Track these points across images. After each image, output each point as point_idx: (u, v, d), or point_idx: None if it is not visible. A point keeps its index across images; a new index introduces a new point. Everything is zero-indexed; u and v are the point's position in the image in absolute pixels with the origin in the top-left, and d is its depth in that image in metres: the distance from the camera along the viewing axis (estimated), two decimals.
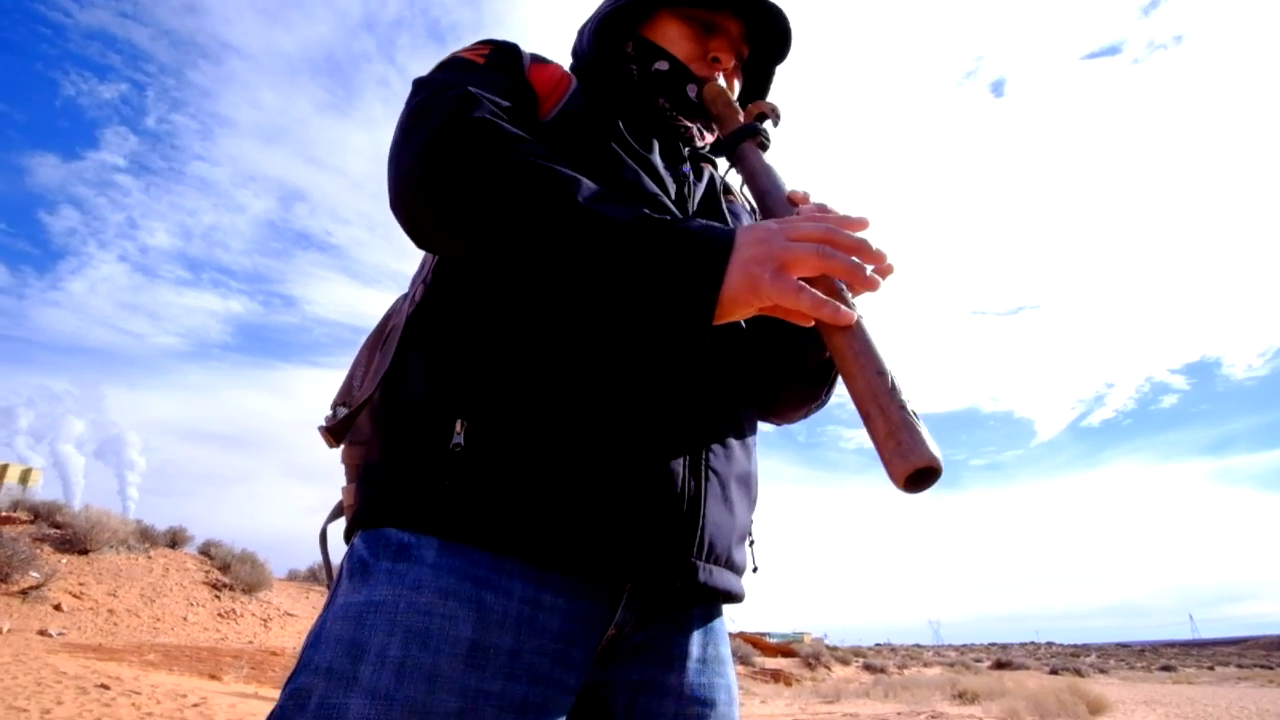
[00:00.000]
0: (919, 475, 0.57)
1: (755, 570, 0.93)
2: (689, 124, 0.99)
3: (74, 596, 9.86)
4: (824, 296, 0.65)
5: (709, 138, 1.03)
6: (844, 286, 0.69)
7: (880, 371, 0.61)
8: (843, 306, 0.65)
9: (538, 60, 0.95)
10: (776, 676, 21.54)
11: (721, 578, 0.81)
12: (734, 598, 0.86)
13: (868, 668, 29.68)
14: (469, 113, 0.75)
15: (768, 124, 0.95)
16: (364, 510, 0.77)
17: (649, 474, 0.75)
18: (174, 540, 13.52)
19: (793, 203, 0.79)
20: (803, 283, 0.65)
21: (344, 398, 0.92)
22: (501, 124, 0.75)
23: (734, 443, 0.85)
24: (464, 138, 0.73)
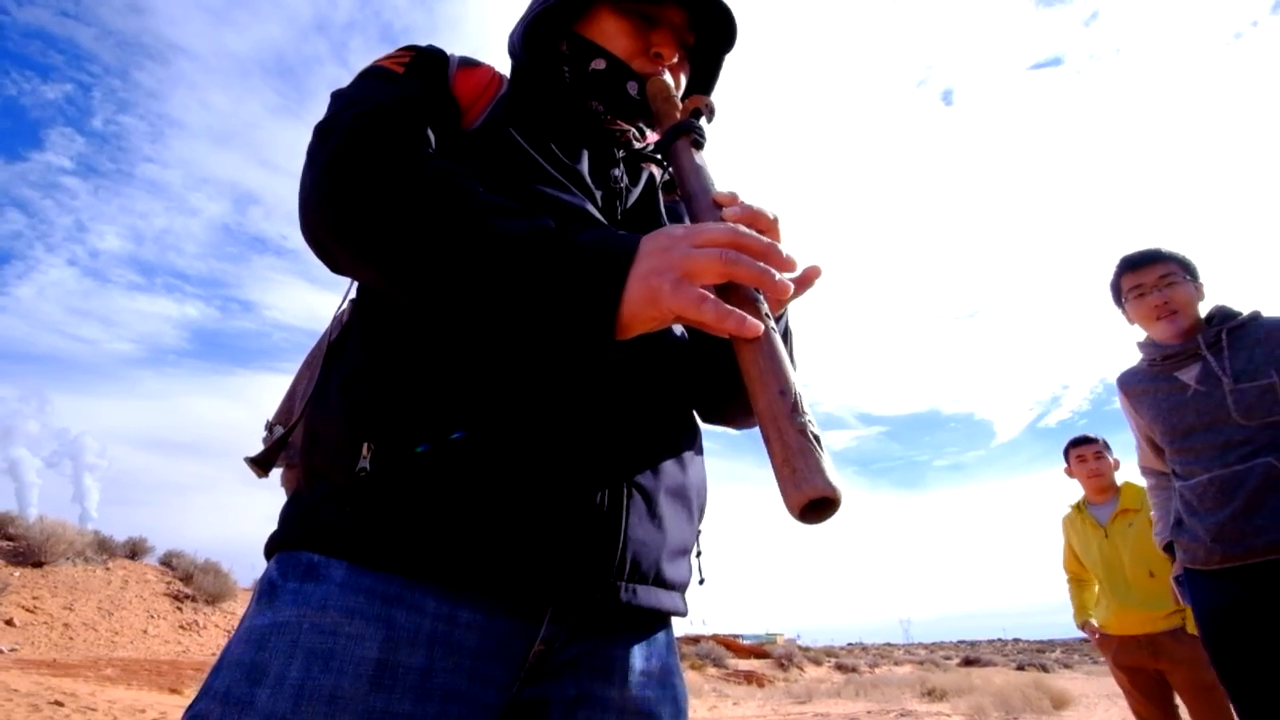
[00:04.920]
0: (815, 505, 0.53)
1: (701, 583, 0.90)
2: (625, 126, 0.95)
3: (27, 610, 9.53)
4: (729, 307, 0.60)
5: (651, 137, 0.99)
6: (760, 296, 0.65)
7: (783, 391, 0.57)
8: (749, 318, 0.60)
9: (466, 64, 0.92)
10: (749, 678, 21.60)
11: (649, 596, 0.78)
12: (664, 615, 0.83)
13: (840, 667, 29.90)
14: (369, 135, 0.72)
15: (704, 120, 0.90)
16: (280, 532, 0.75)
17: (564, 494, 0.72)
18: (134, 551, 13.12)
19: (718, 205, 0.74)
20: (706, 292, 0.61)
21: (283, 417, 0.89)
22: (402, 144, 0.72)
23: (665, 456, 0.82)
24: (360, 163, 0.70)
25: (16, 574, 10.27)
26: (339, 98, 0.82)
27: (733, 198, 0.74)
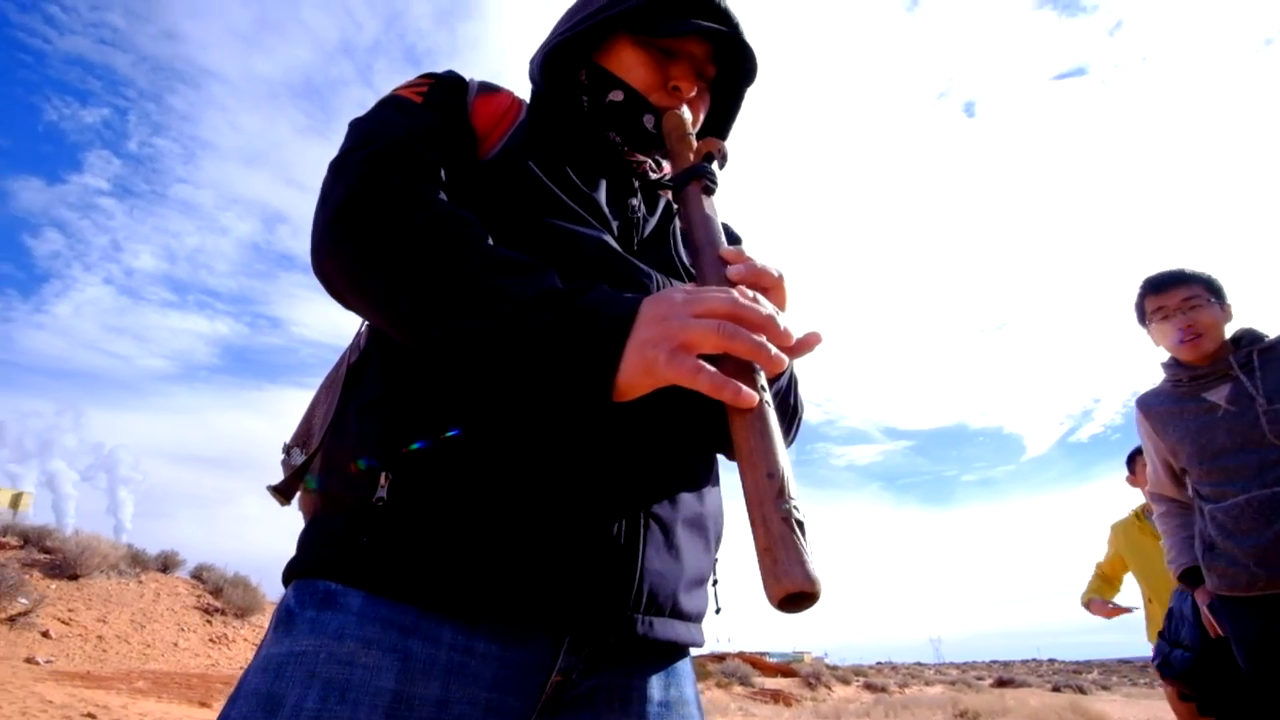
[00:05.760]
0: (793, 598, 0.53)
1: (718, 611, 0.90)
2: (642, 158, 0.95)
3: (62, 623, 9.73)
4: (724, 378, 0.61)
5: (668, 168, 0.98)
6: (757, 366, 0.65)
7: (771, 474, 0.57)
8: (744, 389, 0.60)
9: (485, 90, 0.92)
10: (776, 697, 21.30)
11: (665, 628, 0.78)
12: (681, 648, 0.82)
13: (869, 687, 29.36)
14: (377, 181, 0.73)
15: (717, 165, 0.89)
16: (297, 559, 0.76)
17: (580, 527, 0.72)
18: (165, 564, 13.35)
19: (724, 261, 0.74)
20: (702, 362, 0.62)
21: (301, 439, 0.90)
22: (409, 190, 0.72)
23: (682, 487, 0.82)
24: (367, 212, 0.71)
25: (53, 586, 10.50)
26: (355, 129, 0.82)
27: (739, 254, 0.74)
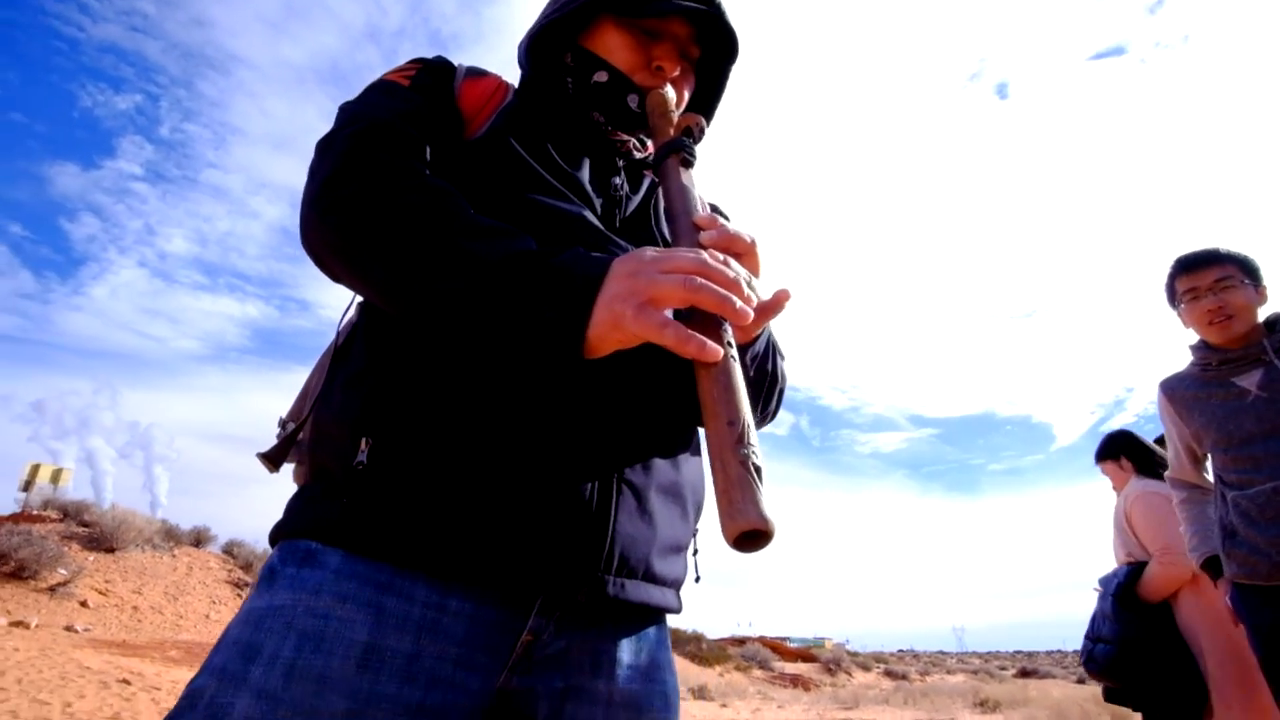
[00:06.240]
0: (748, 536, 0.55)
1: (698, 580, 0.92)
2: (626, 137, 0.97)
3: (100, 593, 10.05)
4: (690, 332, 0.62)
5: (652, 147, 0.99)
6: (725, 324, 0.67)
7: (732, 422, 0.59)
8: (709, 343, 0.62)
9: (473, 74, 0.94)
10: (795, 681, 21.38)
11: (637, 591, 0.80)
12: (655, 610, 0.84)
13: (889, 674, 29.34)
14: (361, 156, 0.75)
15: (695, 138, 0.91)
16: (283, 522, 0.79)
17: (552, 490, 0.74)
18: (198, 539, 13.74)
19: (698, 227, 0.76)
20: (668, 317, 0.63)
21: (295, 415, 0.93)
22: (392, 163, 0.75)
23: (657, 454, 0.84)
24: (351, 185, 0.74)
25: (91, 558, 10.85)
26: (344, 111, 0.85)
27: (712, 220, 0.76)
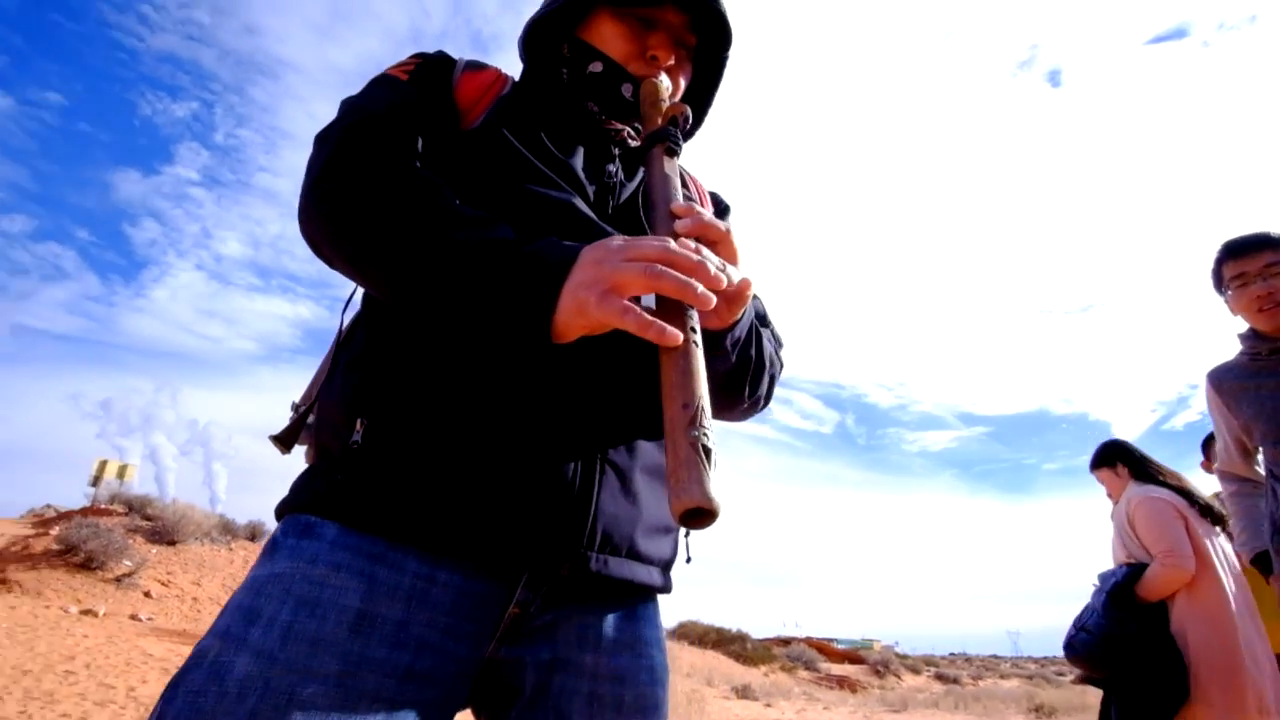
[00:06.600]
0: (693, 514, 0.58)
1: (689, 561, 0.94)
2: (621, 125, 0.98)
3: (162, 584, 10.49)
4: (649, 318, 0.64)
5: None
6: (691, 310, 0.68)
7: (686, 404, 0.62)
8: (669, 328, 0.64)
9: (472, 67, 0.97)
10: (842, 683, 21.08)
11: (620, 567, 0.82)
12: (640, 587, 0.86)
13: (939, 677, 28.69)
14: (354, 148, 0.79)
15: (680, 128, 0.91)
16: (287, 498, 0.83)
17: (536, 468, 0.77)
18: (253, 534, 14.21)
19: (674, 216, 0.78)
20: (630, 304, 0.65)
21: (307, 399, 0.97)
22: (384, 155, 0.78)
23: (641, 436, 0.86)
24: (343, 176, 0.77)
25: (154, 551, 11.33)
26: (343, 105, 0.88)
27: (689, 208, 0.78)
